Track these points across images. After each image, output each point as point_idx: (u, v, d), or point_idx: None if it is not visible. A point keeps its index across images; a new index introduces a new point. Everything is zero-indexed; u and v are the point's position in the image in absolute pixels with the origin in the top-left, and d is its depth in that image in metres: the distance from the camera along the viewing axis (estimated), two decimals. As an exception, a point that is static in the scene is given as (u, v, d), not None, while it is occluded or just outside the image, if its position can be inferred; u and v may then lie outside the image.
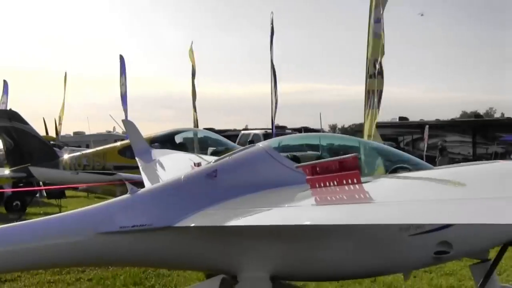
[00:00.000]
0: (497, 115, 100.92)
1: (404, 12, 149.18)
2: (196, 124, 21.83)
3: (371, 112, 15.72)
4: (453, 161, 28.44)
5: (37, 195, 22.20)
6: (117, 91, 31.45)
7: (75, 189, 22.95)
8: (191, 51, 28.21)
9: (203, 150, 17.05)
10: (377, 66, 15.65)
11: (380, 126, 19.59)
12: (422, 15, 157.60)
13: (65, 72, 37.39)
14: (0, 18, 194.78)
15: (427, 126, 32.97)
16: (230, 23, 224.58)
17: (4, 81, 39.82)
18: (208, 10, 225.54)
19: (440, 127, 37.46)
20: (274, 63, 25.83)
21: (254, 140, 23.75)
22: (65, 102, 36.35)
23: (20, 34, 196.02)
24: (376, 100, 15.53)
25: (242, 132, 25.75)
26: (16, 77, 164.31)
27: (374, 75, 15.70)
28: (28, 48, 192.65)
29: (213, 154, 13.87)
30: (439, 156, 26.74)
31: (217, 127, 37.68)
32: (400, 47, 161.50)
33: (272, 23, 25.37)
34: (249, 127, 58.23)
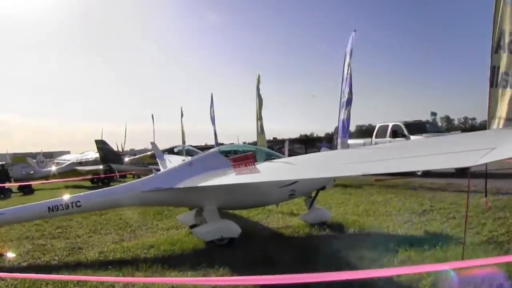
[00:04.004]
0: (319, 134, 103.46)
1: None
2: (183, 142, 20.80)
3: (262, 135, 15.56)
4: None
5: (115, 177, 21.79)
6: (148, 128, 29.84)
7: (131, 173, 22.59)
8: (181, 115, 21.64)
9: (187, 155, 16.68)
10: (258, 122, 14.98)
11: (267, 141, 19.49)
12: (313, 95, 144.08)
13: (125, 125, 35.52)
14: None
15: (286, 141, 33.22)
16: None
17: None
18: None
19: (291, 141, 37.72)
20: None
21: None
22: (126, 136, 34.12)
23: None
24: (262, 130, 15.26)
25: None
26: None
27: (260, 118, 15.22)
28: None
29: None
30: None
31: (194, 144, 36.97)
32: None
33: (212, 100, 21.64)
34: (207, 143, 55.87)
